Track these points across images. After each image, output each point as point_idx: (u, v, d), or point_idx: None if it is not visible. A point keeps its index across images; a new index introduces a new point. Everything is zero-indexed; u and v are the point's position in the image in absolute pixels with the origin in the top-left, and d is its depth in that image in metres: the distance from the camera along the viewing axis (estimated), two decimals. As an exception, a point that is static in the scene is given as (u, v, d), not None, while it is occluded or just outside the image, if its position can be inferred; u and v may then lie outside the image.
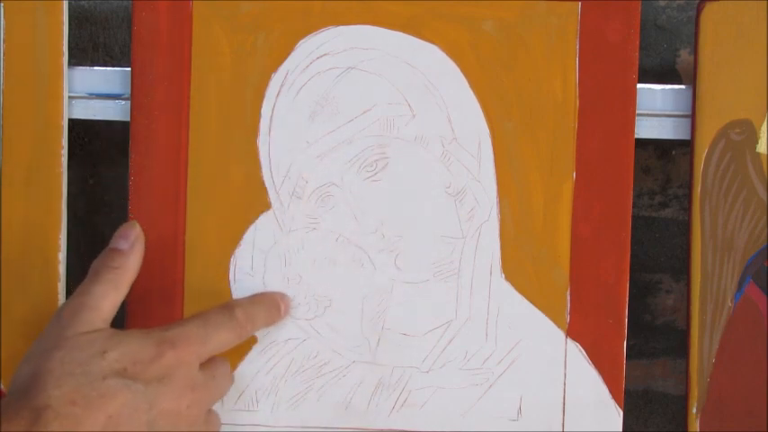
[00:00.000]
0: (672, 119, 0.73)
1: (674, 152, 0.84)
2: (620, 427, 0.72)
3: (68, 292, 0.69)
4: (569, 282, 0.72)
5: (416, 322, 0.72)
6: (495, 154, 0.72)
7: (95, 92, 0.74)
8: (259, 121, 0.72)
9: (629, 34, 0.71)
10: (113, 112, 0.74)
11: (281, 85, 0.72)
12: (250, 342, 0.73)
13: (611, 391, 0.72)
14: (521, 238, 0.72)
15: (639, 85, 0.71)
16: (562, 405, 0.72)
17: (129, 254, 0.68)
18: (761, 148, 0.71)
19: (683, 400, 0.73)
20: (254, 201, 0.72)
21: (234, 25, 0.72)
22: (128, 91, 0.73)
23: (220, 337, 0.66)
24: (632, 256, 0.73)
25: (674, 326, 0.87)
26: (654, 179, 0.85)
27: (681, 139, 0.73)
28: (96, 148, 0.84)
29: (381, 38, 0.72)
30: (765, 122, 0.71)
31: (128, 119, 0.72)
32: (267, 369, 0.73)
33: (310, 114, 0.72)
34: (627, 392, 0.76)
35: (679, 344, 0.86)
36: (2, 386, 0.73)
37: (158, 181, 0.72)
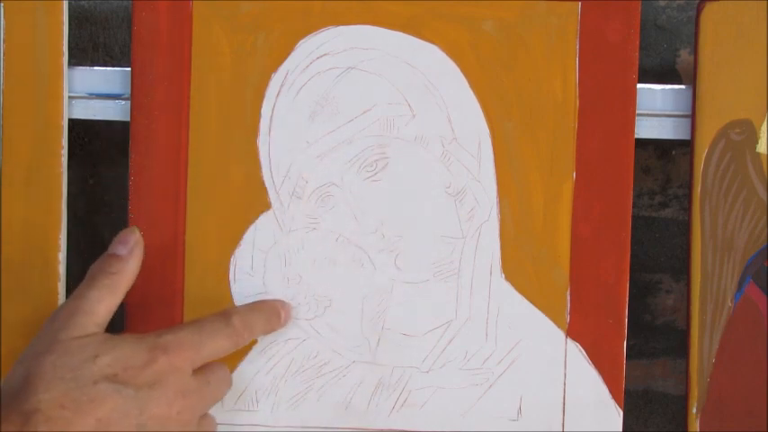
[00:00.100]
0: (672, 119, 0.73)
1: (674, 152, 0.84)
2: (620, 427, 0.72)
3: (68, 292, 0.69)
4: (569, 282, 0.72)
5: (416, 322, 0.72)
6: (495, 154, 0.72)
7: (95, 92, 0.74)
8: (259, 121, 0.72)
9: (629, 34, 0.71)
10: (113, 112, 0.74)
11: (281, 85, 0.72)
12: (250, 342, 0.73)
13: (611, 391, 0.72)
14: (521, 238, 0.72)
15: (639, 85, 0.71)
16: (562, 405, 0.72)
17: (127, 259, 0.68)
18: (761, 148, 0.71)
19: (683, 400, 0.73)
20: (254, 201, 0.72)
21: (234, 25, 0.72)
22: (128, 91, 0.73)
23: (215, 344, 0.66)
24: (632, 256, 0.73)
25: (674, 326, 0.87)
26: (654, 179, 0.85)
27: (681, 139, 0.73)
28: (96, 148, 0.84)
29: (381, 38, 0.72)
30: (765, 122, 0.71)
31: (128, 119, 0.72)
32: (267, 369, 0.73)
33: (310, 114, 0.72)
34: (627, 392, 0.76)
35: (679, 344, 0.86)
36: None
37: (158, 181, 0.72)
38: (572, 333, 0.72)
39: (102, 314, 0.65)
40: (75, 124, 0.74)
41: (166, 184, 0.72)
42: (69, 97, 0.73)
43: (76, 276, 0.69)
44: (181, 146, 0.72)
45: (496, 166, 0.72)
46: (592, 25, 0.71)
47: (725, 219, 0.71)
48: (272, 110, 0.72)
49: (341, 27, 0.72)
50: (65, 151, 0.72)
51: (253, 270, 0.72)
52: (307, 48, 0.72)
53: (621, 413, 0.72)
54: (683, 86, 0.73)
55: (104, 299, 0.66)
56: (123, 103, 0.74)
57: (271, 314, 0.71)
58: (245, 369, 0.73)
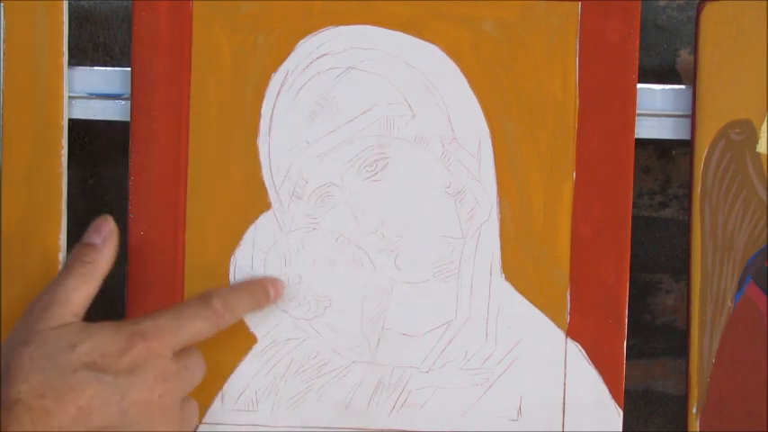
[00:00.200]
0: (672, 119, 0.73)
1: (674, 152, 0.84)
2: (620, 427, 0.72)
3: (68, 292, 0.69)
4: (569, 282, 0.72)
5: (416, 322, 0.72)
6: (495, 154, 0.72)
7: (95, 92, 0.74)
8: (259, 121, 0.72)
9: (629, 34, 0.71)
10: (113, 112, 0.74)
11: (281, 85, 0.72)
12: (250, 342, 0.73)
13: (611, 391, 0.72)
14: (521, 238, 0.72)
15: (639, 85, 0.71)
16: (562, 405, 0.72)
17: (101, 248, 0.67)
18: (761, 148, 0.71)
19: (683, 400, 0.73)
20: (254, 201, 0.72)
21: (234, 25, 0.72)
22: (128, 91, 0.73)
23: (194, 328, 0.66)
24: (632, 256, 0.73)
25: (674, 326, 0.87)
26: (654, 179, 0.85)
27: (681, 139, 0.73)
28: (96, 148, 0.84)
29: (381, 38, 0.72)
30: (765, 122, 0.71)
31: (128, 119, 0.72)
32: (267, 369, 0.73)
33: (310, 114, 0.72)
34: (627, 392, 0.76)
35: (679, 344, 0.86)
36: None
37: (158, 181, 0.72)
38: (572, 333, 0.72)
39: (79, 303, 0.65)
40: (75, 124, 0.74)
41: (166, 184, 0.72)
42: (69, 97, 0.73)
43: (76, 276, 0.69)
44: (181, 146, 0.72)
45: (496, 166, 0.72)
46: (592, 25, 0.71)
47: (725, 219, 0.71)
48: (272, 110, 0.72)
49: (341, 27, 0.72)
50: (65, 151, 0.72)
51: (253, 270, 0.72)
52: (307, 48, 0.72)
53: (621, 413, 0.72)
54: (683, 86, 0.73)
55: (80, 288, 0.66)
56: (123, 103, 0.74)
57: (257, 292, 0.70)
58: (245, 369, 0.73)
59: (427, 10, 0.71)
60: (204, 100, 0.72)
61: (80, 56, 0.82)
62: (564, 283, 0.72)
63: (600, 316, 0.72)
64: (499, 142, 0.72)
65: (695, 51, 0.71)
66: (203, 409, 0.73)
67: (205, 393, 0.72)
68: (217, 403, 0.73)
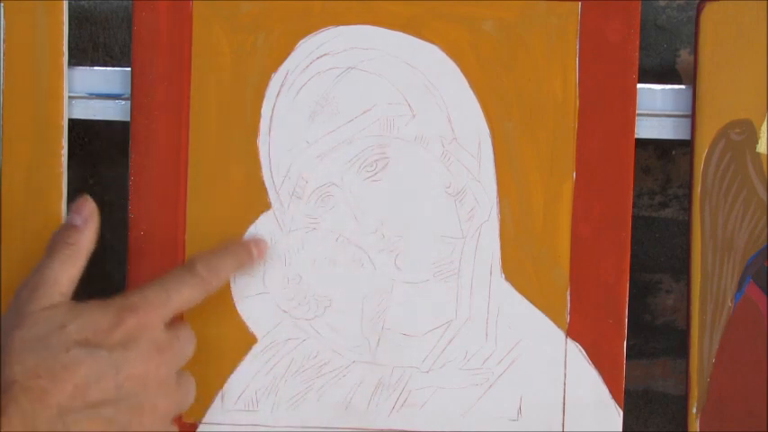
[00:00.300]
0: (672, 119, 0.73)
1: (674, 152, 0.84)
2: (620, 427, 0.72)
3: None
4: (569, 282, 0.72)
5: (416, 322, 0.72)
6: (495, 154, 0.72)
7: (95, 92, 0.74)
8: (259, 121, 0.72)
9: (629, 34, 0.71)
10: (113, 112, 0.74)
11: (281, 85, 0.72)
12: (250, 342, 0.73)
13: (611, 391, 0.72)
14: (521, 238, 0.72)
15: (639, 85, 0.71)
16: (562, 405, 0.72)
17: (83, 229, 0.67)
18: (761, 148, 0.71)
19: (683, 400, 0.73)
20: (254, 201, 0.72)
21: (234, 25, 0.72)
22: (128, 91, 0.73)
23: (182, 296, 0.66)
24: (632, 256, 0.73)
25: (674, 326, 0.87)
26: (654, 179, 0.85)
27: (681, 139, 0.73)
28: (96, 148, 0.84)
29: (381, 38, 0.72)
30: (765, 122, 0.71)
31: (128, 119, 0.72)
32: (267, 369, 0.73)
33: (310, 114, 0.72)
34: (627, 392, 0.76)
35: (679, 344, 0.86)
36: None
37: (158, 181, 0.72)
38: (572, 333, 0.72)
39: (66, 284, 0.65)
40: (75, 124, 0.74)
41: (166, 184, 0.72)
42: (69, 97, 0.73)
43: (76, 276, 0.69)
44: (181, 146, 0.72)
45: (496, 166, 0.72)
46: (592, 25, 0.71)
47: (725, 219, 0.71)
48: (272, 110, 0.72)
49: (341, 27, 0.72)
50: (65, 151, 0.72)
51: (253, 270, 0.72)
52: (307, 48, 0.72)
53: (621, 413, 0.72)
54: (683, 86, 0.73)
55: (66, 269, 0.66)
56: (123, 103, 0.74)
57: (240, 252, 0.70)
58: (245, 369, 0.73)
59: (427, 10, 0.71)
60: (204, 100, 0.72)
61: (80, 56, 0.82)
62: (564, 283, 0.72)
63: (600, 316, 0.72)
64: (499, 142, 0.72)
65: (695, 51, 0.71)
66: (203, 409, 0.73)
67: (205, 393, 0.72)
68: (217, 403, 0.73)
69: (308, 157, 0.72)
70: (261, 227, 0.72)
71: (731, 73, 0.71)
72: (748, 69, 0.71)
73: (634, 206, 0.83)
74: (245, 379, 0.73)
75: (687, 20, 0.81)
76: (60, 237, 0.67)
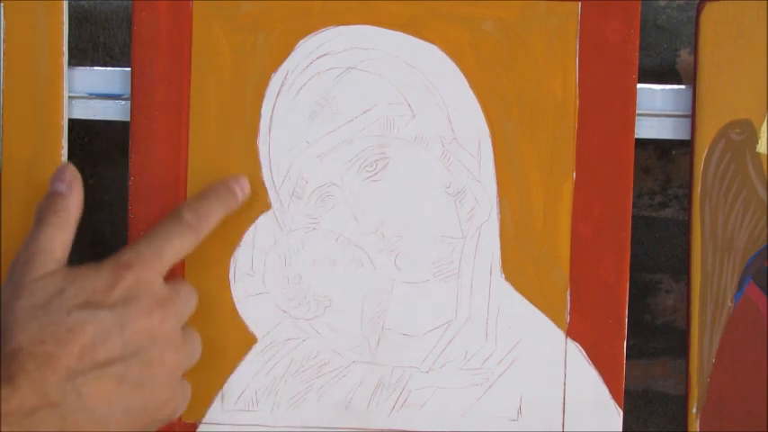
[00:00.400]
0: (672, 119, 0.73)
1: (674, 152, 0.84)
2: (620, 427, 0.72)
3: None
4: (569, 282, 0.72)
5: (416, 322, 0.72)
6: (495, 154, 0.72)
7: (95, 92, 0.74)
8: (259, 121, 0.72)
9: (629, 34, 0.71)
10: (113, 112, 0.74)
11: (281, 85, 0.72)
12: (250, 342, 0.73)
13: (611, 391, 0.72)
14: (521, 238, 0.72)
15: (639, 85, 0.71)
16: (562, 405, 0.72)
17: (68, 195, 0.67)
18: (761, 148, 0.71)
19: (683, 400, 0.73)
20: (254, 201, 0.72)
21: (234, 25, 0.72)
22: (128, 91, 0.73)
23: (174, 247, 0.66)
24: (632, 256, 0.73)
25: (674, 326, 0.87)
26: (654, 179, 0.85)
27: (681, 139, 0.73)
28: (96, 148, 0.84)
29: (381, 38, 0.72)
30: (765, 122, 0.71)
31: (128, 119, 0.72)
32: (267, 369, 0.73)
33: (310, 114, 0.72)
34: (627, 392, 0.76)
35: (679, 344, 0.86)
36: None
37: (158, 181, 0.72)
38: (572, 333, 0.72)
39: (59, 250, 0.65)
40: (75, 124, 0.74)
41: (166, 184, 0.72)
42: (69, 97, 0.73)
43: (76, 276, 0.69)
44: (181, 146, 0.72)
45: (496, 166, 0.72)
46: (592, 25, 0.71)
47: (725, 219, 0.71)
48: (272, 110, 0.72)
49: (341, 27, 0.72)
50: (65, 151, 0.72)
51: (253, 270, 0.72)
52: (307, 48, 0.72)
53: (621, 413, 0.72)
54: (683, 86, 0.73)
55: (57, 237, 0.66)
56: (123, 103, 0.74)
57: (224, 194, 0.70)
58: (245, 369, 0.73)
59: (427, 10, 0.71)
60: (204, 100, 0.72)
61: (80, 56, 0.82)
62: (564, 283, 0.72)
63: (600, 316, 0.72)
64: (499, 142, 0.72)
65: (695, 51, 0.71)
66: (203, 409, 0.73)
67: (205, 393, 0.72)
68: (217, 403, 0.73)
69: (308, 157, 0.72)
70: (261, 227, 0.72)
71: (731, 73, 0.71)
72: (748, 69, 0.71)
73: (634, 206, 0.83)
74: (245, 379, 0.73)
75: (687, 20, 0.81)
76: (47, 205, 0.67)
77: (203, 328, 0.70)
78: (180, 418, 0.73)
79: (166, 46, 0.72)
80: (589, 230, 0.72)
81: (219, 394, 0.73)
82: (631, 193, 0.72)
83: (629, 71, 0.71)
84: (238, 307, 0.73)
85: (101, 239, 0.85)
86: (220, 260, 0.72)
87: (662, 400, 0.88)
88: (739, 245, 0.71)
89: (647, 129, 0.73)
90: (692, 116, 0.72)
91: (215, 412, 0.73)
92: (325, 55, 0.72)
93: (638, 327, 0.86)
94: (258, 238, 0.72)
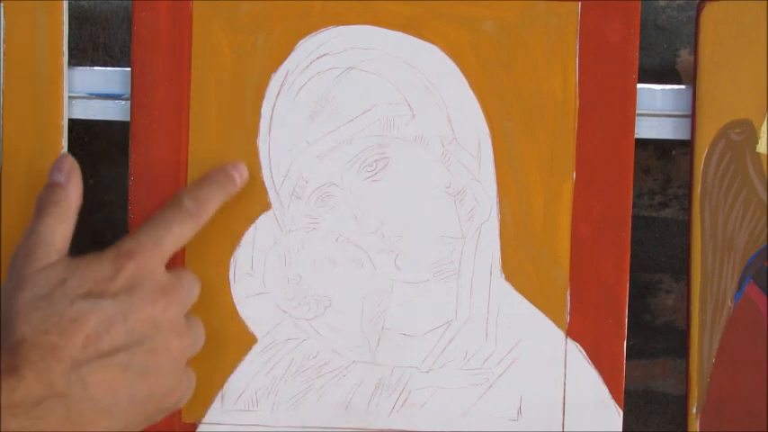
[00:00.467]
0: (672, 119, 0.73)
1: (674, 152, 0.84)
2: (620, 427, 0.72)
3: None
4: (569, 282, 0.72)
5: (416, 322, 0.72)
6: (495, 154, 0.72)
7: (95, 92, 0.74)
8: (259, 121, 0.72)
9: (629, 34, 0.71)
10: (113, 112, 0.74)
11: (281, 85, 0.72)
12: (250, 342, 0.73)
13: (611, 391, 0.72)
14: (521, 238, 0.72)
15: (639, 85, 0.71)
16: (562, 405, 0.72)
17: (67, 185, 0.67)
18: (761, 148, 0.71)
19: (683, 400, 0.73)
20: (254, 201, 0.72)
21: (234, 25, 0.72)
22: (128, 91, 0.73)
23: (174, 234, 0.66)
24: (632, 256, 0.73)
25: (674, 326, 0.87)
26: (654, 179, 0.85)
27: (681, 139, 0.73)
28: (96, 148, 0.84)
29: (381, 38, 0.72)
30: (765, 122, 0.71)
31: (128, 119, 0.72)
32: (267, 369, 0.73)
33: (310, 114, 0.72)
34: (627, 392, 0.76)
35: (679, 344, 0.86)
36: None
37: (158, 181, 0.72)
38: (572, 333, 0.72)
39: (60, 241, 0.65)
40: (75, 124, 0.74)
41: (166, 184, 0.72)
42: (69, 97, 0.73)
43: (76, 276, 0.69)
44: (181, 146, 0.72)
45: (496, 166, 0.72)
46: (592, 25, 0.71)
47: (725, 219, 0.71)
48: (272, 110, 0.72)
49: (341, 27, 0.72)
50: (65, 151, 0.72)
51: (253, 270, 0.72)
52: (307, 48, 0.72)
53: (621, 413, 0.72)
54: (683, 86, 0.73)
55: (57, 228, 0.66)
56: (123, 103, 0.74)
57: (222, 180, 0.70)
58: (245, 369, 0.73)
59: (427, 10, 0.71)
60: (204, 100, 0.72)
61: (80, 56, 0.82)
62: (564, 283, 0.72)
63: (600, 316, 0.72)
64: (499, 142, 0.72)
65: (695, 51, 0.71)
66: (203, 409, 0.73)
67: (205, 393, 0.72)
68: (217, 403, 0.73)
69: (308, 157, 0.72)
70: (261, 227, 0.72)
71: (731, 73, 0.71)
72: (748, 69, 0.71)
73: (634, 206, 0.83)
74: (245, 379, 0.73)
75: (687, 20, 0.81)
76: (46, 196, 0.67)
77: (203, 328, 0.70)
78: (180, 419, 0.73)
79: (166, 46, 0.72)
80: (589, 230, 0.72)
81: (219, 394, 0.73)
82: (631, 193, 0.72)
83: (629, 71, 0.71)
84: (238, 307, 0.73)
85: (101, 239, 0.85)
86: (220, 260, 0.72)
87: (662, 400, 0.88)
88: (739, 245, 0.71)
89: (647, 129, 0.73)
90: (692, 116, 0.72)
91: (215, 412, 0.73)
92: (325, 55, 0.72)
93: (638, 327, 0.86)
94: (258, 238, 0.72)
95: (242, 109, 0.72)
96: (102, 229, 0.85)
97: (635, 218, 0.82)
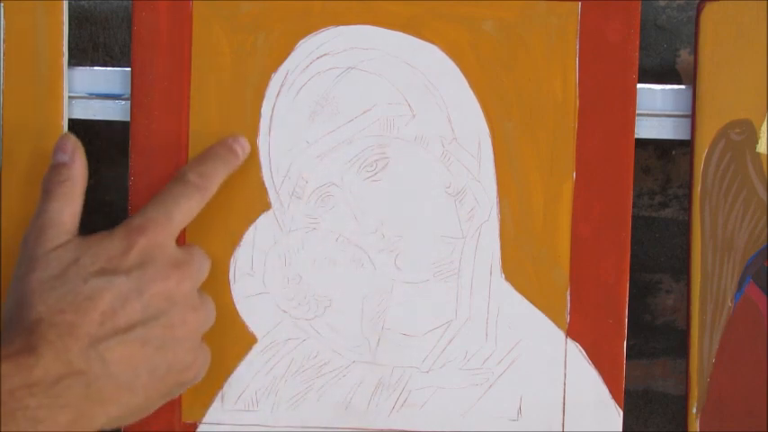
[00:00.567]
0: (672, 119, 0.73)
1: (674, 152, 0.84)
2: (620, 427, 0.72)
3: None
4: (569, 282, 0.72)
5: (416, 322, 0.72)
6: (495, 154, 0.72)
7: (95, 92, 0.74)
8: (259, 121, 0.72)
9: (629, 34, 0.71)
10: (113, 112, 0.74)
11: (281, 85, 0.72)
12: (250, 342, 0.73)
13: (611, 391, 0.72)
14: (521, 238, 0.72)
15: (639, 85, 0.71)
16: (562, 405, 0.72)
17: (71, 165, 0.67)
18: (761, 148, 0.71)
19: (683, 400, 0.73)
20: (254, 201, 0.72)
21: (234, 25, 0.72)
22: (128, 91, 0.73)
23: (182, 209, 0.66)
24: (632, 256, 0.73)
25: (674, 326, 0.87)
26: (654, 179, 0.85)
27: (681, 139, 0.73)
28: (96, 148, 0.84)
29: (381, 38, 0.72)
30: (765, 122, 0.71)
31: (128, 119, 0.73)
32: (267, 369, 0.73)
33: (310, 114, 0.72)
34: (627, 392, 0.76)
35: (679, 344, 0.86)
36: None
37: (158, 181, 0.72)
38: (572, 333, 0.72)
39: (69, 222, 0.66)
40: (75, 124, 0.74)
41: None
42: (69, 97, 0.73)
43: (76, 276, 0.69)
44: (181, 146, 0.72)
45: (496, 166, 0.72)
46: (592, 25, 0.71)
47: (725, 219, 0.71)
48: (272, 110, 0.72)
49: (341, 27, 0.72)
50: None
51: (253, 270, 0.72)
52: (307, 48, 0.72)
53: (621, 413, 0.72)
54: (683, 86, 0.73)
55: (65, 208, 0.66)
56: (123, 103, 0.74)
57: (224, 154, 0.70)
58: (245, 369, 0.73)
59: (427, 10, 0.71)
60: (204, 100, 0.72)
61: (80, 56, 0.82)
62: (564, 283, 0.72)
63: (600, 316, 0.72)
64: (499, 142, 0.72)
65: (695, 51, 0.71)
66: (203, 409, 0.73)
67: (205, 393, 0.72)
68: (217, 403, 0.73)
69: (308, 157, 0.72)
70: (261, 227, 0.72)
71: (731, 73, 0.71)
72: (748, 69, 0.71)
73: (634, 206, 0.83)
74: (245, 379, 0.73)
75: (687, 20, 0.81)
76: (52, 177, 0.67)
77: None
78: (180, 418, 0.73)
79: (166, 46, 0.72)
80: (589, 230, 0.72)
81: (219, 394, 0.73)
82: (631, 193, 0.72)
83: (629, 71, 0.71)
84: (238, 307, 0.73)
85: (101, 239, 0.84)
86: (220, 260, 0.72)
87: (662, 400, 0.88)
88: (739, 245, 0.71)
89: (647, 129, 0.73)
90: (692, 116, 0.72)
91: (215, 412, 0.73)
92: (325, 55, 0.72)
93: (638, 327, 0.86)
94: (258, 238, 0.72)
95: (242, 109, 0.72)
96: (102, 229, 0.85)
97: (635, 218, 0.82)
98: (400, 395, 0.73)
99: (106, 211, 0.85)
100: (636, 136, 0.72)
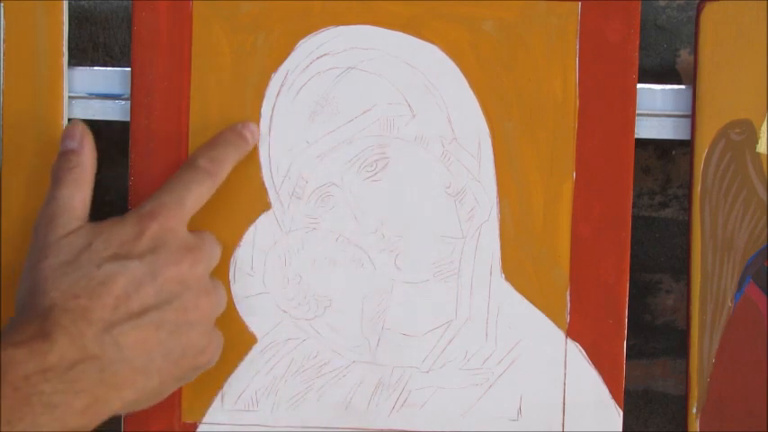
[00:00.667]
0: (672, 119, 0.73)
1: (674, 152, 0.84)
2: (620, 427, 0.72)
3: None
4: (569, 282, 0.72)
5: (416, 322, 0.72)
6: (495, 154, 0.72)
7: (95, 92, 0.74)
8: (259, 121, 0.72)
9: (629, 34, 0.71)
10: (113, 112, 0.74)
11: (281, 85, 0.72)
12: (250, 342, 0.73)
13: (611, 391, 0.72)
14: (521, 238, 0.72)
15: (639, 85, 0.71)
16: (562, 405, 0.72)
17: (80, 151, 0.67)
18: (761, 148, 0.71)
19: (683, 400, 0.73)
20: (254, 201, 0.72)
21: (234, 25, 0.72)
22: (128, 91, 0.73)
23: (193, 194, 0.66)
24: (632, 256, 0.73)
25: (674, 326, 0.87)
26: (654, 179, 0.85)
27: (681, 139, 0.73)
28: (96, 148, 0.84)
29: (381, 38, 0.72)
30: (765, 122, 0.71)
31: (128, 119, 0.73)
32: (267, 369, 0.73)
33: (310, 114, 0.72)
34: (627, 392, 0.76)
35: (679, 344, 0.86)
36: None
37: (158, 181, 0.72)
38: (572, 333, 0.72)
39: (80, 207, 0.66)
40: (75, 124, 0.74)
41: (166, 184, 0.72)
42: (69, 97, 0.73)
43: (76, 276, 0.69)
44: (181, 146, 0.72)
45: (496, 166, 0.72)
46: (592, 25, 0.71)
47: (725, 219, 0.71)
48: (272, 110, 0.72)
49: (341, 27, 0.72)
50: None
51: (253, 270, 0.72)
52: (307, 48, 0.72)
53: (621, 413, 0.72)
54: (683, 86, 0.73)
55: (75, 194, 0.66)
56: (123, 103, 0.74)
57: (236, 138, 0.70)
58: (245, 369, 0.73)
59: (427, 10, 0.71)
60: (204, 100, 0.72)
61: (80, 56, 0.82)
62: (564, 283, 0.72)
63: (600, 316, 0.72)
64: (499, 142, 0.72)
65: (695, 51, 0.71)
66: (203, 409, 0.73)
67: (205, 393, 0.72)
68: (217, 403, 0.73)
69: (308, 157, 0.72)
70: (261, 227, 0.72)
71: (731, 73, 0.71)
72: (748, 69, 0.71)
73: (634, 206, 0.83)
74: (245, 379, 0.73)
75: (687, 20, 0.81)
76: (61, 164, 0.67)
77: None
78: (180, 418, 0.73)
79: (166, 46, 0.72)
80: (589, 230, 0.72)
81: (219, 394, 0.73)
82: (631, 193, 0.72)
83: (629, 71, 0.71)
84: (238, 307, 0.73)
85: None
86: (220, 260, 0.72)
87: (662, 400, 0.88)
88: (739, 245, 0.71)
89: (647, 129, 0.73)
90: (692, 116, 0.72)
91: (215, 412, 0.73)
92: (325, 55, 0.72)
93: (638, 327, 0.86)
94: (258, 238, 0.72)
95: (242, 109, 0.72)
96: (102, 229, 0.85)
97: (635, 218, 0.82)
98: (400, 395, 0.73)
99: (106, 210, 0.84)
100: (636, 136, 0.72)
